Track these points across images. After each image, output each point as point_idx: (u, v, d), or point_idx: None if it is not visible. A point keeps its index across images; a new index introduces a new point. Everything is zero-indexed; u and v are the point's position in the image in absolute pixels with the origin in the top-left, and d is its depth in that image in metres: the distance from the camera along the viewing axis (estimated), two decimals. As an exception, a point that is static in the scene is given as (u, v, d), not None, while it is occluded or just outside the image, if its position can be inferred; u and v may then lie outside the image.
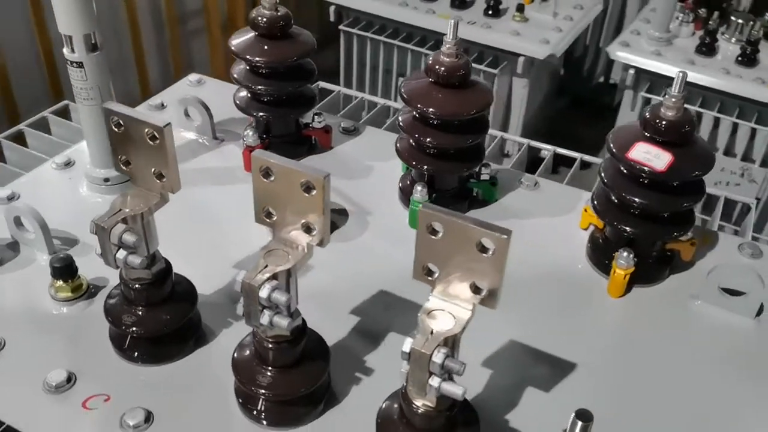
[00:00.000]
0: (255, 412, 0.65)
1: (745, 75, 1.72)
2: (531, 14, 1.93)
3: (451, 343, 0.53)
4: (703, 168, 0.74)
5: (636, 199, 0.75)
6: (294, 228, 0.58)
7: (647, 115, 0.74)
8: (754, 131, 1.73)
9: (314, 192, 0.55)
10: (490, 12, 1.92)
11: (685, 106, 0.73)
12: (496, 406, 0.67)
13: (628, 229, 0.77)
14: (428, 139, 0.83)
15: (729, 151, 1.78)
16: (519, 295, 0.78)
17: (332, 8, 2.06)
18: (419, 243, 0.53)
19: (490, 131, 1.16)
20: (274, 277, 0.57)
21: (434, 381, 0.53)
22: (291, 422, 0.65)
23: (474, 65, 1.85)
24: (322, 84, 1.28)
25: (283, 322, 0.57)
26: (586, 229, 0.87)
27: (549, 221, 0.90)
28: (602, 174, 0.79)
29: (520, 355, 0.73)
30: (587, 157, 1.12)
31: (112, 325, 0.69)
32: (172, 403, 0.66)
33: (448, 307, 0.54)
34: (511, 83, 1.96)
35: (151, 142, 0.61)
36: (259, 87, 0.92)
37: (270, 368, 0.63)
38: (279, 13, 0.89)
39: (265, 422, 0.65)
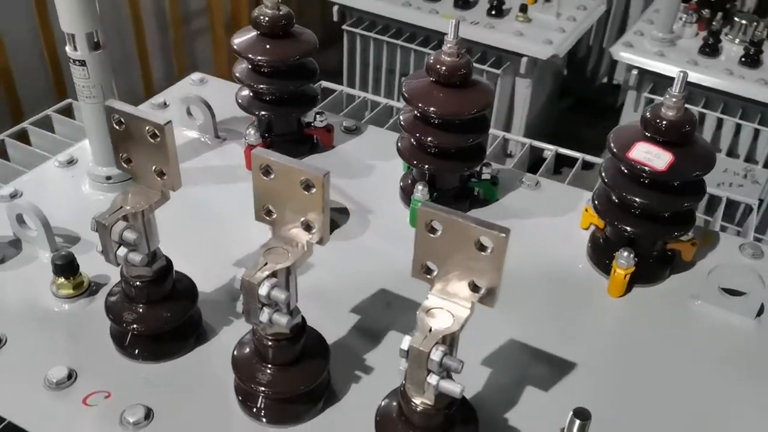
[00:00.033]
0: (255, 410, 0.65)
1: (749, 76, 1.71)
2: (534, 15, 1.93)
3: (450, 341, 0.53)
4: (704, 168, 0.74)
5: (636, 199, 0.75)
6: (294, 226, 0.59)
7: (648, 114, 0.74)
8: (757, 132, 1.73)
9: (314, 190, 0.56)
10: (493, 12, 1.93)
11: (686, 106, 0.73)
12: (495, 404, 0.67)
13: (628, 228, 0.77)
14: (429, 139, 0.83)
15: (732, 152, 1.78)
16: (519, 294, 0.79)
17: (335, 8, 2.06)
18: (418, 241, 0.54)
19: (492, 131, 1.17)
20: (274, 274, 0.57)
21: (432, 379, 0.53)
22: (290, 420, 0.65)
23: (477, 65, 1.85)
24: (325, 83, 1.28)
25: (282, 320, 0.58)
26: (586, 228, 0.87)
27: (550, 221, 0.90)
28: (603, 174, 0.79)
29: (520, 354, 0.73)
30: (589, 158, 1.12)
31: (112, 322, 0.69)
32: (172, 400, 0.66)
33: (446, 306, 0.54)
34: (514, 84, 1.96)
35: (151, 140, 0.61)
36: (261, 86, 0.93)
37: (270, 366, 0.63)
38: (281, 13, 0.90)
39: (264, 420, 0.65)
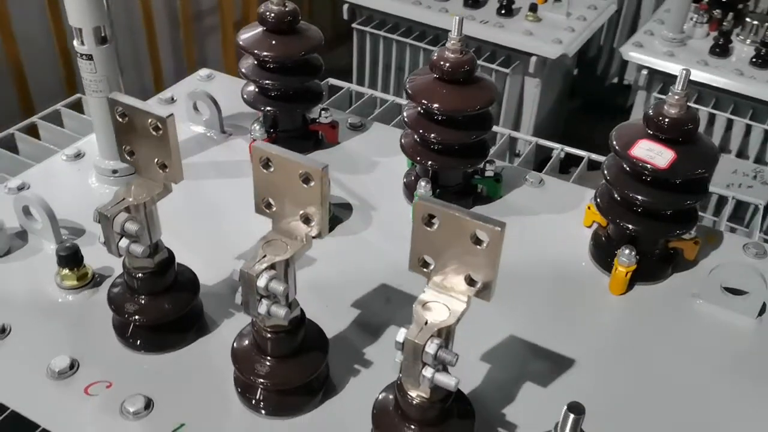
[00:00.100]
0: (254, 402, 0.65)
1: (759, 76, 1.70)
2: (544, 14, 1.92)
3: (445, 334, 0.53)
4: (706, 166, 0.74)
5: (638, 197, 0.75)
6: (293, 219, 0.59)
7: (650, 112, 0.74)
8: (767, 133, 1.72)
9: (313, 183, 0.56)
10: (503, 11, 1.92)
11: (690, 104, 0.73)
12: (493, 400, 0.67)
13: (630, 226, 0.77)
14: (432, 135, 0.84)
15: (742, 153, 1.77)
16: (520, 291, 0.79)
17: (345, 6, 2.07)
18: (415, 234, 0.54)
19: (499, 129, 1.17)
20: (273, 267, 0.57)
21: (427, 371, 0.53)
22: (289, 412, 0.66)
23: (486, 64, 1.85)
24: (332, 81, 1.28)
25: (280, 312, 0.58)
26: (589, 226, 0.87)
27: (553, 218, 0.90)
28: (605, 171, 0.79)
29: (520, 351, 0.73)
30: (595, 157, 1.12)
31: (114, 313, 0.70)
32: (172, 391, 0.67)
33: (443, 299, 0.55)
34: (523, 83, 1.96)
35: (154, 133, 0.62)
36: (267, 82, 0.93)
37: (268, 358, 0.63)
38: (287, 9, 0.90)
39: (263, 411, 0.65)
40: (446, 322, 0.53)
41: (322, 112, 0.99)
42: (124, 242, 0.64)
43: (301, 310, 0.63)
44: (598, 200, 0.81)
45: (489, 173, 0.91)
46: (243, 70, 0.95)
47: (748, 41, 1.81)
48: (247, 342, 0.65)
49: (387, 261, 0.82)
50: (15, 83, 1.80)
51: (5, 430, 0.66)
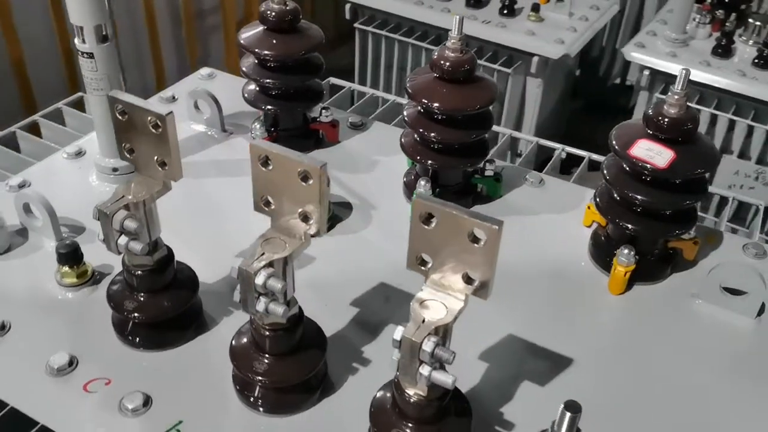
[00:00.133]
0: (252, 399, 0.66)
1: (762, 77, 1.70)
2: (546, 14, 1.92)
3: (443, 332, 0.53)
4: (706, 166, 0.74)
5: (638, 197, 0.75)
6: (292, 217, 0.59)
7: (650, 112, 0.74)
8: (769, 134, 1.72)
9: (311, 181, 0.56)
10: (505, 11, 1.92)
11: (689, 104, 0.73)
12: (491, 398, 0.67)
13: (629, 226, 0.77)
14: (432, 134, 0.84)
15: (744, 154, 1.77)
16: (519, 290, 0.79)
17: (348, 6, 2.07)
18: (413, 233, 0.54)
19: (500, 129, 1.17)
20: (271, 264, 0.57)
21: (424, 369, 0.53)
22: (287, 409, 0.66)
23: (488, 64, 1.85)
24: (334, 80, 1.29)
25: (278, 310, 0.58)
26: (589, 226, 0.87)
27: (553, 218, 0.90)
28: (605, 171, 0.79)
29: (519, 350, 0.73)
30: (596, 157, 1.12)
31: (114, 310, 0.70)
32: (170, 388, 0.67)
33: (441, 297, 0.55)
34: (525, 83, 1.96)
35: (153, 131, 0.62)
36: (267, 80, 0.93)
37: (267, 355, 0.63)
38: (287, 7, 0.90)
39: (261, 409, 0.66)
40: (444, 320, 0.53)
41: (323, 111, 1.00)
42: (123, 239, 0.64)
43: (300, 308, 0.63)
44: (598, 200, 0.81)
45: (489, 173, 0.91)
46: (244, 68, 0.95)
47: (751, 42, 1.81)
48: (245, 340, 0.65)
49: (386, 260, 0.82)
50: (17, 82, 1.80)
51: (4, 426, 0.66)
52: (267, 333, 0.62)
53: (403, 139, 0.89)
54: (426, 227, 0.53)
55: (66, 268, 0.76)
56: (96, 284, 0.77)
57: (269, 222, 0.61)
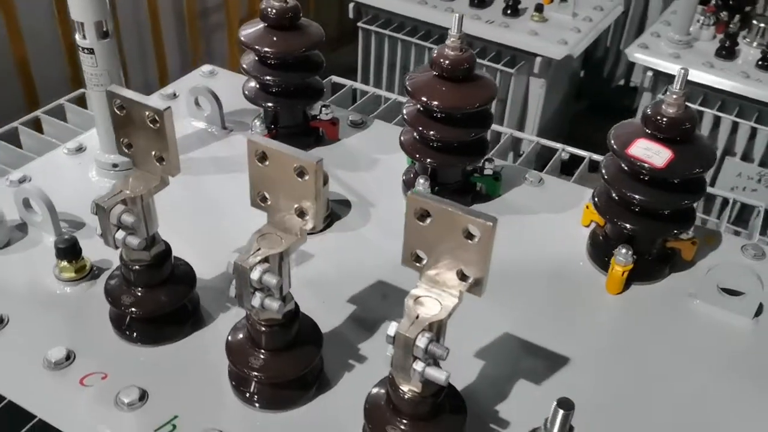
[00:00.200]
0: (248, 395, 0.66)
1: (765, 79, 1.70)
2: (550, 14, 1.92)
3: (437, 328, 0.54)
4: (704, 165, 0.74)
5: (636, 196, 0.75)
6: (288, 213, 0.59)
7: (648, 111, 0.74)
8: (772, 136, 1.71)
9: (307, 177, 0.56)
10: (508, 11, 1.92)
11: (687, 103, 0.73)
12: (487, 396, 0.67)
13: (627, 226, 0.77)
14: (432, 132, 0.84)
15: (747, 157, 1.76)
16: (517, 289, 0.79)
17: (351, 5, 2.07)
18: (408, 229, 0.54)
19: (501, 129, 1.17)
20: (266, 260, 0.58)
21: (418, 365, 0.53)
22: (283, 405, 0.66)
23: (491, 64, 1.86)
24: (336, 78, 1.29)
25: (274, 305, 0.58)
26: (587, 226, 0.87)
27: (551, 217, 0.90)
28: (603, 170, 0.79)
29: (515, 348, 0.73)
30: (596, 157, 1.12)
31: (111, 305, 0.70)
32: (167, 383, 0.67)
33: (435, 294, 0.55)
34: (528, 83, 1.96)
35: (152, 126, 0.62)
36: (268, 78, 0.94)
37: (262, 351, 0.64)
38: (288, 5, 0.91)
39: (257, 405, 0.66)
40: (438, 316, 0.53)
41: (323, 108, 1.00)
42: (120, 234, 0.65)
43: (296, 304, 0.63)
44: (596, 199, 0.81)
45: (488, 171, 0.91)
46: (244, 65, 0.95)
47: (755, 44, 1.80)
48: (241, 335, 0.65)
49: (385, 258, 0.81)
50: (21, 79, 1.81)
51: (2, 420, 0.66)
52: (263, 328, 0.62)
53: (402, 138, 0.89)
54: (421, 224, 0.53)
55: (64, 263, 0.76)
56: (94, 279, 0.78)
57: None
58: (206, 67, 1.17)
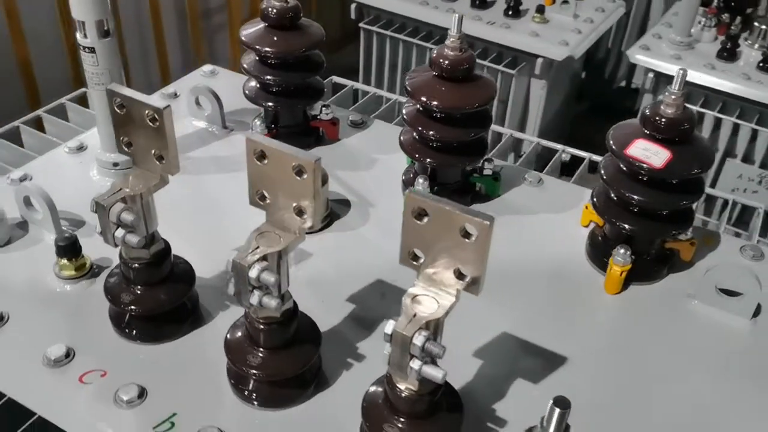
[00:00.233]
0: (246, 393, 0.66)
1: (766, 81, 1.70)
2: (551, 15, 1.92)
3: (434, 327, 0.54)
4: (702, 166, 0.74)
5: (634, 197, 0.75)
6: (286, 211, 0.59)
7: (647, 112, 0.74)
8: (773, 138, 1.71)
9: (305, 176, 0.56)
10: (509, 13, 1.93)
11: (686, 104, 0.73)
12: (485, 395, 0.67)
13: (626, 226, 0.77)
14: (431, 132, 0.84)
15: (748, 158, 1.76)
16: (516, 289, 0.79)
17: (353, 6, 2.08)
18: (405, 228, 0.54)
19: (501, 129, 1.18)
20: (265, 258, 0.58)
21: (415, 363, 0.53)
22: (281, 403, 0.66)
23: (492, 65, 1.86)
24: (336, 79, 1.29)
25: (272, 303, 0.58)
26: (586, 226, 0.87)
27: (551, 218, 0.90)
28: (602, 171, 0.79)
29: (513, 348, 0.73)
30: (596, 158, 1.12)
31: (111, 303, 0.71)
32: (166, 381, 0.68)
33: (432, 293, 0.55)
34: (529, 85, 1.96)
35: (151, 124, 0.63)
36: (268, 77, 0.94)
37: (261, 349, 0.64)
38: (288, 5, 0.91)
39: (255, 403, 0.66)
40: (435, 315, 0.53)
41: (323, 108, 1.00)
42: (120, 232, 0.65)
43: (294, 303, 0.64)
44: (595, 200, 0.81)
45: (487, 172, 0.91)
46: (245, 65, 0.95)
47: (756, 46, 1.81)
48: (240, 333, 0.65)
49: (384, 257, 0.82)
50: (23, 80, 1.81)
51: (1, 417, 0.66)
52: (261, 327, 0.63)
53: (402, 137, 0.90)
54: (418, 222, 0.53)
55: (65, 261, 0.77)
56: (94, 277, 0.78)
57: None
58: (207, 67, 1.17)
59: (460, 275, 0.54)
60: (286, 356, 0.64)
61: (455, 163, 0.88)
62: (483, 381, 0.69)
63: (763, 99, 1.68)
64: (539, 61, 1.85)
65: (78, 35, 0.84)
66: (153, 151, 0.64)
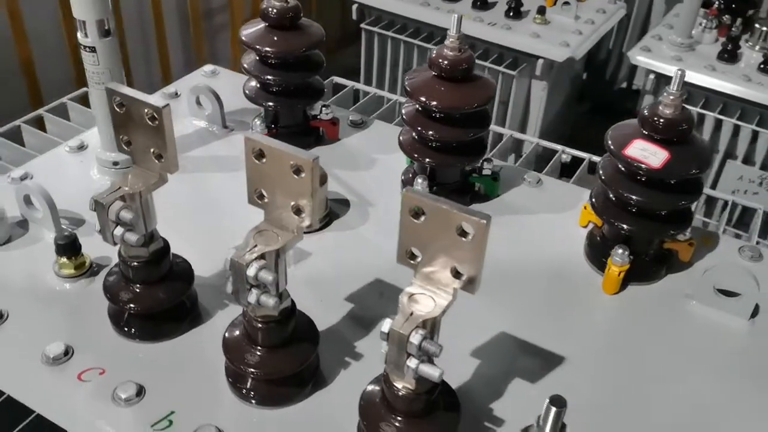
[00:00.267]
0: (244, 391, 0.66)
1: (767, 83, 1.70)
2: (552, 17, 1.92)
3: (431, 326, 0.54)
4: (700, 166, 0.74)
5: (632, 197, 0.75)
6: (284, 210, 0.60)
7: (645, 112, 0.74)
8: (774, 140, 1.71)
9: (303, 174, 0.57)
10: (511, 14, 1.93)
11: (684, 104, 0.73)
12: (482, 394, 0.67)
13: (624, 226, 0.78)
14: (430, 132, 0.84)
15: (748, 160, 1.76)
16: (514, 288, 0.79)
17: (354, 6, 2.08)
18: (403, 227, 0.54)
19: (500, 129, 1.18)
20: (263, 256, 0.58)
21: (412, 362, 0.53)
22: (279, 401, 0.66)
23: (493, 66, 1.86)
24: (337, 79, 1.29)
25: (269, 302, 0.59)
26: (585, 226, 0.87)
27: (549, 218, 0.91)
28: (601, 171, 0.79)
29: (511, 347, 0.73)
30: (596, 158, 1.12)
31: (110, 301, 0.71)
32: (164, 379, 0.68)
33: (429, 291, 0.55)
34: (530, 86, 1.96)
35: (150, 123, 0.63)
36: (268, 77, 0.94)
37: (259, 348, 0.64)
38: (289, 5, 0.91)
39: (253, 401, 0.66)
40: (432, 313, 0.54)
41: (323, 108, 1.00)
42: (119, 230, 0.65)
43: (292, 301, 0.64)
44: (594, 200, 0.81)
45: (486, 172, 0.91)
46: (245, 65, 0.96)
47: (757, 47, 1.81)
48: (238, 332, 0.65)
49: (382, 256, 0.82)
50: (25, 80, 1.82)
51: (0, 414, 0.67)
52: (259, 325, 0.63)
53: (401, 137, 0.90)
54: (415, 221, 0.53)
55: (64, 260, 0.77)
56: (94, 276, 0.78)
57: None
58: (208, 67, 1.18)
59: (456, 274, 0.54)
60: (284, 355, 0.64)
61: (454, 163, 0.88)
62: (481, 380, 0.69)
63: (763, 100, 1.68)
64: (540, 62, 1.86)
65: (79, 34, 0.84)
66: (152, 150, 0.65)
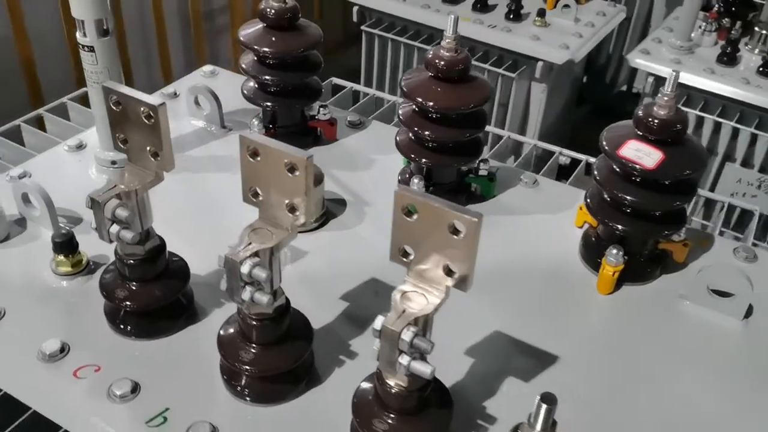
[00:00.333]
0: (239, 388, 0.66)
1: (766, 86, 1.70)
2: (552, 19, 1.93)
3: (423, 323, 0.54)
4: (694, 167, 0.74)
5: (627, 197, 0.76)
6: (279, 208, 0.60)
7: (639, 113, 0.75)
8: (773, 142, 1.72)
9: (297, 173, 0.57)
10: (511, 16, 1.93)
11: (678, 105, 0.74)
12: (475, 393, 0.68)
13: (618, 226, 0.78)
14: (426, 133, 0.85)
15: (747, 163, 1.77)
16: (510, 288, 0.80)
17: (355, 9, 2.09)
18: (395, 225, 0.55)
19: (498, 131, 1.18)
20: (257, 254, 0.58)
21: (404, 359, 0.54)
22: (273, 399, 0.66)
23: (493, 69, 1.86)
24: (336, 80, 1.30)
25: (263, 299, 0.59)
26: (581, 227, 0.88)
27: (545, 218, 0.91)
28: (595, 172, 0.79)
29: (505, 346, 0.73)
30: (593, 160, 1.12)
31: (106, 298, 0.71)
32: (159, 376, 0.68)
33: (422, 289, 0.55)
34: (530, 88, 1.97)
35: (146, 121, 0.63)
36: (266, 77, 0.95)
37: (253, 345, 0.64)
38: (287, 5, 0.92)
39: (248, 398, 0.66)
40: (424, 311, 0.54)
41: (321, 109, 1.01)
42: (114, 228, 0.66)
43: (287, 299, 0.64)
44: (589, 201, 0.82)
45: (483, 172, 0.92)
46: (243, 65, 0.96)
47: (756, 50, 1.81)
48: (232, 330, 0.66)
49: (378, 256, 0.81)
50: (26, 79, 1.82)
51: (-2, 410, 0.67)
52: (253, 322, 0.63)
53: (398, 138, 0.90)
54: (408, 219, 0.54)
55: (61, 257, 0.77)
56: (91, 274, 0.79)
57: (260, 215, 0.62)
58: (207, 67, 1.18)
59: (449, 272, 0.54)
60: (279, 352, 0.65)
61: (450, 163, 0.88)
62: (474, 378, 0.69)
63: (762, 103, 1.68)
64: (540, 64, 1.86)
65: (78, 34, 0.85)
66: (148, 148, 0.65)
